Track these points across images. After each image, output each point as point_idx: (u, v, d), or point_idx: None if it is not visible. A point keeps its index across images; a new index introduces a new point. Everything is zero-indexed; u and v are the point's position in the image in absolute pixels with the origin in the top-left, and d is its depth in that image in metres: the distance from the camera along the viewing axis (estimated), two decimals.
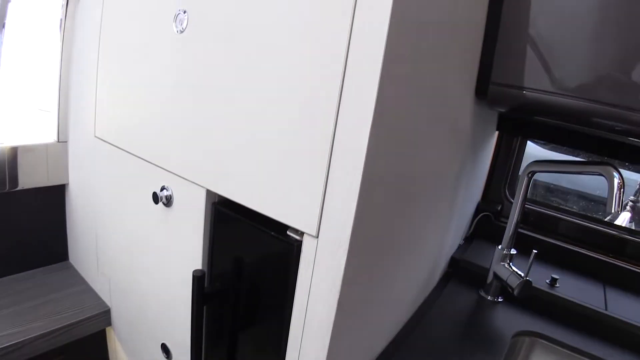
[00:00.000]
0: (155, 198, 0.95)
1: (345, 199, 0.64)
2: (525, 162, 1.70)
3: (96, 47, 1.19)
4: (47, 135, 1.49)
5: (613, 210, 1.02)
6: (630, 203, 2.05)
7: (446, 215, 1.14)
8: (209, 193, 0.86)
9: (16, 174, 1.41)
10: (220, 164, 0.81)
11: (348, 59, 0.61)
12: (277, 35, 0.69)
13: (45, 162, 1.47)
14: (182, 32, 0.87)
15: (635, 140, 1.03)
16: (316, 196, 0.67)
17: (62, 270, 1.57)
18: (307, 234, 0.70)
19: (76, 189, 1.45)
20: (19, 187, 1.41)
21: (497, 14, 1.00)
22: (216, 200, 0.88)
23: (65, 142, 1.48)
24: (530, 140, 1.56)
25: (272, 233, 0.76)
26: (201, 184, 0.86)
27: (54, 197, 1.54)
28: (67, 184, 1.52)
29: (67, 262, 1.61)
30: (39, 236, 1.53)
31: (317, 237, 0.68)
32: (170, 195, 0.94)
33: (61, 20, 1.40)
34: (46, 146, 1.46)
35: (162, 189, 0.96)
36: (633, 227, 1.77)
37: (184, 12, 0.86)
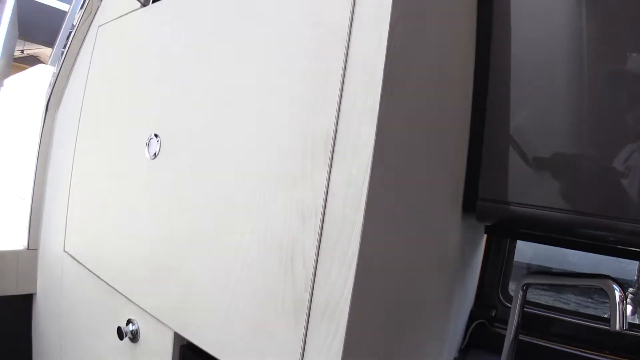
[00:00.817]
0: (120, 334, 0.86)
1: None
2: (517, 254, 1.64)
3: (71, 158, 1.15)
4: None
5: (617, 327, 0.96)
6: (630, 295, 1.97)
7: (441, 334, 1.06)
8: (177, 334, 0.78)
9: None
10: (190, 305, 0.74)
11: (328, 194, 0.56)
12: (255, 179, 0.65)
13: (15, 270, 1.39)
14: (154, 157, 0.83)
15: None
16: (294, 357, 0.59)
17: None
18: None
19: (43, 300, 1.36)
20: None
21: (480, 120, 0.98)
22: (185, 342, 0.79)
23: (36, 249, 1.40)
24: None
25: None
26: (169, 324, 0.78)
27: (21, 307, 1.44)
28: (35, 293, 1.42)
29: None
30: (3, 346, 1.41)
31: None
32: (137, 330, 0.86)
33: (41, 120, 1.37)
34: (17, 253, 1.39)
35: (129, 322, 0.88)
36: (637, 321, 1.68)
37: (156, 136, 0.83)
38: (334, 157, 0.56)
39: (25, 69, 4.27)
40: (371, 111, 0.54)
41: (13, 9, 4.13)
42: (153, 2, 0.95)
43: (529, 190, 0.95)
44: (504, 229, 1.32)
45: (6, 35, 3.96)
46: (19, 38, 4.34)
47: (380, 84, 0.54)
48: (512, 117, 0.95)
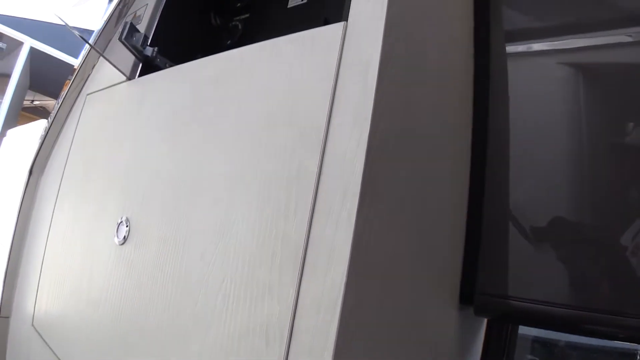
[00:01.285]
0: None
1: None
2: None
3: (47, 228, 1.10)
4: None
5: None
6: None
7: None
8: None
9: None
10: None
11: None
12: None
13: None
14: (123, 242, 0.77)
15: None
16: None
17: None
18: None
19: None
20: None
21: (478, 213, 0.92)
22: None
23: (7, 317, 1.32)
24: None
25: None
26: None
27: None
28: None
29: None
30: None
31: None
32: None
33: (24, 184, 1.33)
34: None
35: None
36: None
37: (127, 220, 0.77)
38: (305, 270, 0.50)
39: (34, 119, 4.34)
40: (348, 218, 0.49)
41: (26, 60, 4.24)
42: (139, 76, 0.92)
43: (531, 283, 0.88)
44: (505, 313, 1.23)
45: (17, 86, 4.04)
46: (30, 89, 4.44)
47: (358, 187, 0.49)
48: (511, 208, 0.89)
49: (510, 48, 0.91)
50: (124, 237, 0.77)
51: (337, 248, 0.48)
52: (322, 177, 0.51)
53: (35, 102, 4.86)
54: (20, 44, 4.17)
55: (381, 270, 0.54)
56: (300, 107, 0.57)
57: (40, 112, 4.73)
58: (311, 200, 0.51)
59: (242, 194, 0.59)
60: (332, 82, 0.56)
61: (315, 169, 0.52)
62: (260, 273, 0.53)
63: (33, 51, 4.19)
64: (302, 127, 0.56)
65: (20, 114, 4.40)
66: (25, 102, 4.56)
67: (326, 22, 0.79)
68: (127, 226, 0.76)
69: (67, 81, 1.27)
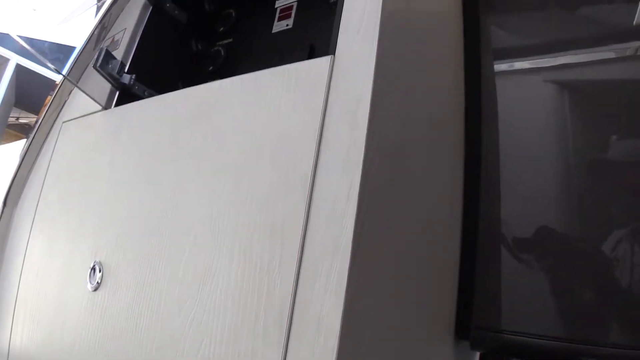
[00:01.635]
0: None
1: None
2: None
3: (21, 262, 1.03)
4: None
5: None
6: None
7: None
8: None
9: None
10: None
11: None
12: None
13: None
14: (96, 288, 0.71)
15: None
16: None
17: None
18: None
19: None
20: None
21: (472, 254, 0.88)
22: None
23: None
24: None
25: None
26: None
27: None
28: None
29: None
30: None
31: None
32: None
33: None
34: None
35: None
36: None
37: (100, 264, 0.72)
38: (290, 338, 0.44)
39: (19, 137, 4.25)
40: (338, 279, 0.43)
41: (12, 77, 4.17)
42: (116, 104, 0.87)
43: (526, 316, 0.85)
44: (500, 346, 1.20)
45: (2, 103, 3.96)
46: (15, 106, 4.35)
47: (350, 243, 0.44)
48: (504, 242, 0.86)
49: (499, 68, 0.89)
50: (97, 282, 0.71)
51: (326, 313, 0.43)
52: (309, 230, 0.46)
53: (21, 120, 4.77)
54: (6, 60, 4.09)
55: (376, 330, 0.49)
56: (284, 148, 0.53)
57: (26, 130, 4.64)
58: (297, 256, 0.46)
59: (223, 242, 0.54)
60: (318, 121, 0.51)
61: (302, 221, 0.47)
62: (242, 334, 0.48)
63: (19, 68, 4.11)
64: (286, 171, 0.51)
65: (6, 131, 4.31)
66: (10, 119, 4.48)
67: (312, 49, 0.74)
68: (100, 271, 0.70)
69: (49, 97, 1.21)
